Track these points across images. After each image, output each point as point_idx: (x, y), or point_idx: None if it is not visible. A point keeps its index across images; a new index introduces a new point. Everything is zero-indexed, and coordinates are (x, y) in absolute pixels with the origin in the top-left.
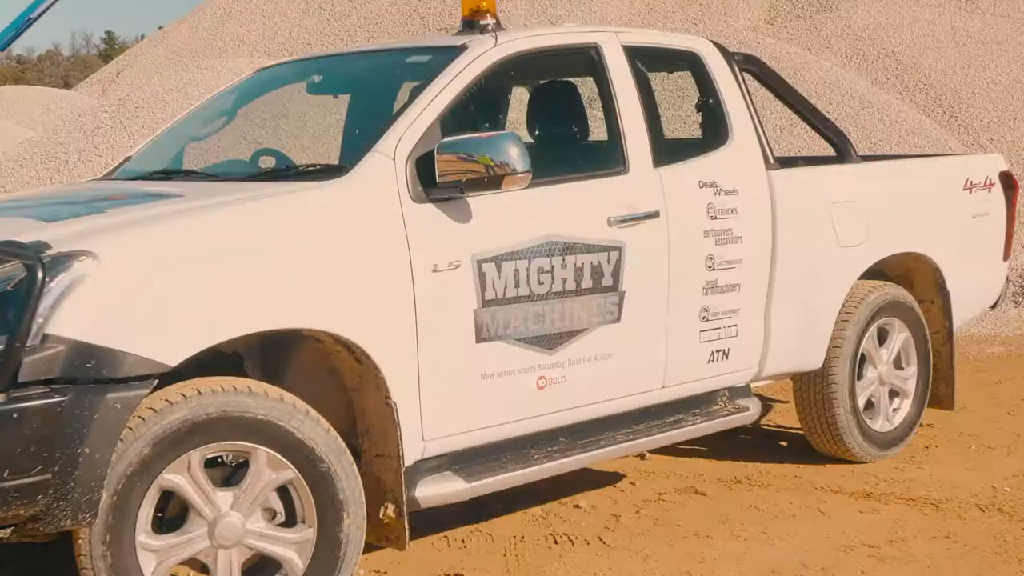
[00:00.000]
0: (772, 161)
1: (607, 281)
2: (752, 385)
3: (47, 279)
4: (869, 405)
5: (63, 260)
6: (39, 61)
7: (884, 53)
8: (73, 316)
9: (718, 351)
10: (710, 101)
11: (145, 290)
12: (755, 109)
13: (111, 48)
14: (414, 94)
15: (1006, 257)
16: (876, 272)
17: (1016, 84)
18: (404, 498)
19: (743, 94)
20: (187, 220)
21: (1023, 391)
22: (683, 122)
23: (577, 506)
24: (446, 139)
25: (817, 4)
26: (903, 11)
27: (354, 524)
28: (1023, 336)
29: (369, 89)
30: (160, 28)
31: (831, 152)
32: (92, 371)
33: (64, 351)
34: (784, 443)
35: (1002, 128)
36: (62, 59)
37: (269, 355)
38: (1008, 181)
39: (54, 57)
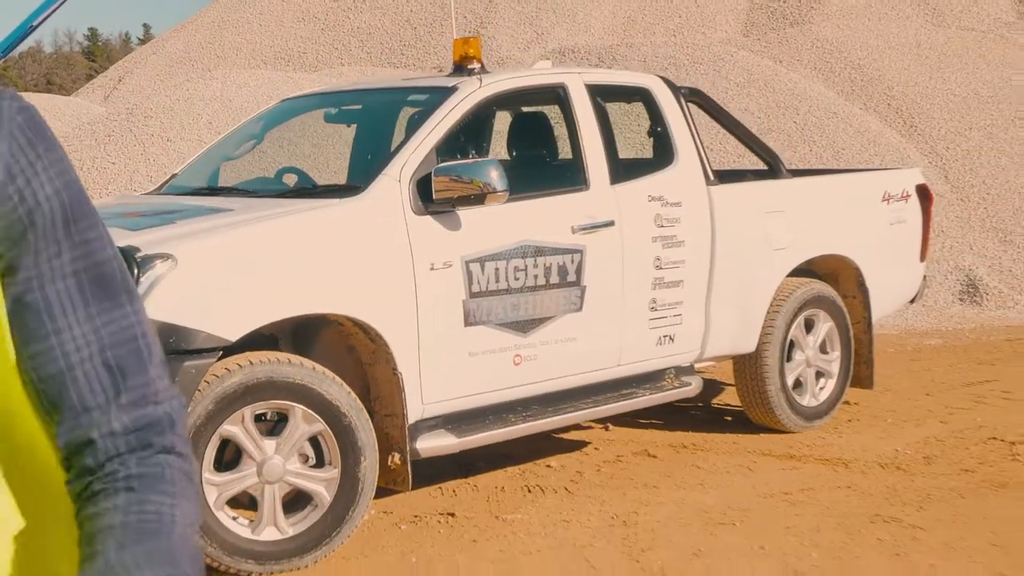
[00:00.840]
0: (712, 178)
1: (571, 278)
2: (696, 365)
3: (140, 275)
4: (798, 384)
5: (150, 260)
6: (20, 59)
7: (851, 65)
8: (159, 303)
9: (665, 336)
10: (659, 128)
11: (212, 283)
12: (698, 134)
13: (94, 46)
14: (415, 127)
15: (923, 258)
16: (805, 271)
17: (973, 96)
18: (407, 449)
19: (687, 122)
20: (241, 230)
21: (946, 376)
22: (641, 142)
23: (548, 465)
24: (441, 164)
25: (790, 17)
26: (870, 25)
27: (369, 466)
28: (960, 331)
29: (375, 121)
30: (144, 26)
31: (771, 162)
32: (173, 344)
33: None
34: (728, 417)
35: (958, 137)
36: (44, 56)
37: (299, 336)
38: (924, 193)
39: (36, 55)
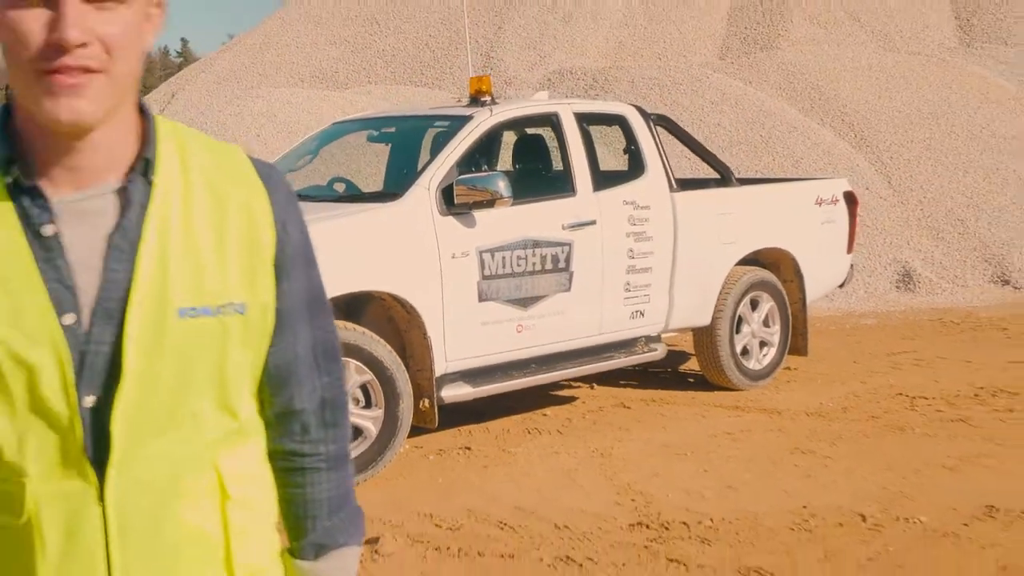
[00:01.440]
0: (675, 186)
1: (561, 265)
2: (662, 335)
3: None
4: (745, 351)
5: None
6: None
7: (810, 86)
8: None
9: (636, 311)
10: (632, 147)
11: None
12: (664, 151)
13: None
14: (439, 148)
15: (849, 251)
16: (751, 260)
17: (916, 112)
18: (435, 396)
19: (655, 142)
20: (313, 227)
21: (873, 349)
22: (618, 157)
23: (544, 414)
24: (460, 176)
25: (759, 43)
26: (828, 50)
27: (406, 408)
28: (894, 312)
29: (408, 141)
30: (182, 40)
31: (723, 172)
32: None
33: None
34: (691, 379)
35: (901, 149)
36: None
37: (351, 307)
38: (850, 198)
39: None
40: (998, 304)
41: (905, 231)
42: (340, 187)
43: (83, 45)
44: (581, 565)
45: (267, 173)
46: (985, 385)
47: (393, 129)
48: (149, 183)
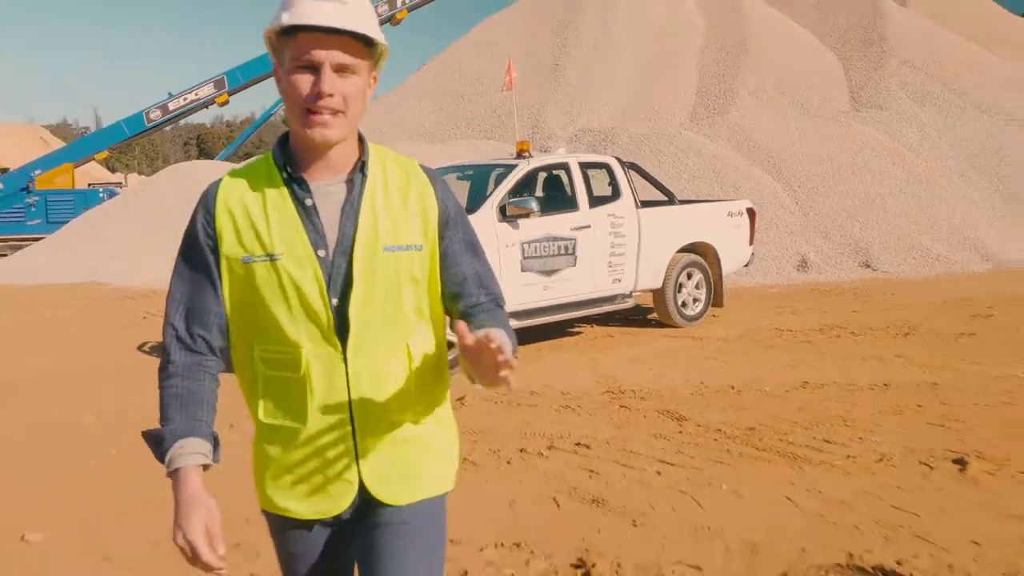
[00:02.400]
0: (638, 205)
1: (570, 251)
2: (632, 293)
3: None
4: (684, 303)
5: None
6: (241, 124)
7: (748, 139)
8: None
9: (616, 279)
10: (612, 182)
11: None
12: (632, 184)
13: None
14: (498, 183)
15: (751, 244)
16: (689, 249)
17: (818, 156)
18: None
19: (627, 179)
20: None
21: (768, 305)
22: (606, 188)
23: (561, 340)
24: (510, 200)
25: (716, 109)
26: (766, 115)
27: None
28: (791, 285)
29: (480, 179)
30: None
31: (669, 196)
32: None
33: None
34: (651, 321)
35: (807, 180)
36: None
37: None
38: (751, 212)
39: (247, 123)
40: (860, 279)
41: (805, 233)
42: None
43: (331, 96)
44: (573, 409)
45: (431, 173)
46: (829, 323)
47: (471, 172)
48: (364, 176)
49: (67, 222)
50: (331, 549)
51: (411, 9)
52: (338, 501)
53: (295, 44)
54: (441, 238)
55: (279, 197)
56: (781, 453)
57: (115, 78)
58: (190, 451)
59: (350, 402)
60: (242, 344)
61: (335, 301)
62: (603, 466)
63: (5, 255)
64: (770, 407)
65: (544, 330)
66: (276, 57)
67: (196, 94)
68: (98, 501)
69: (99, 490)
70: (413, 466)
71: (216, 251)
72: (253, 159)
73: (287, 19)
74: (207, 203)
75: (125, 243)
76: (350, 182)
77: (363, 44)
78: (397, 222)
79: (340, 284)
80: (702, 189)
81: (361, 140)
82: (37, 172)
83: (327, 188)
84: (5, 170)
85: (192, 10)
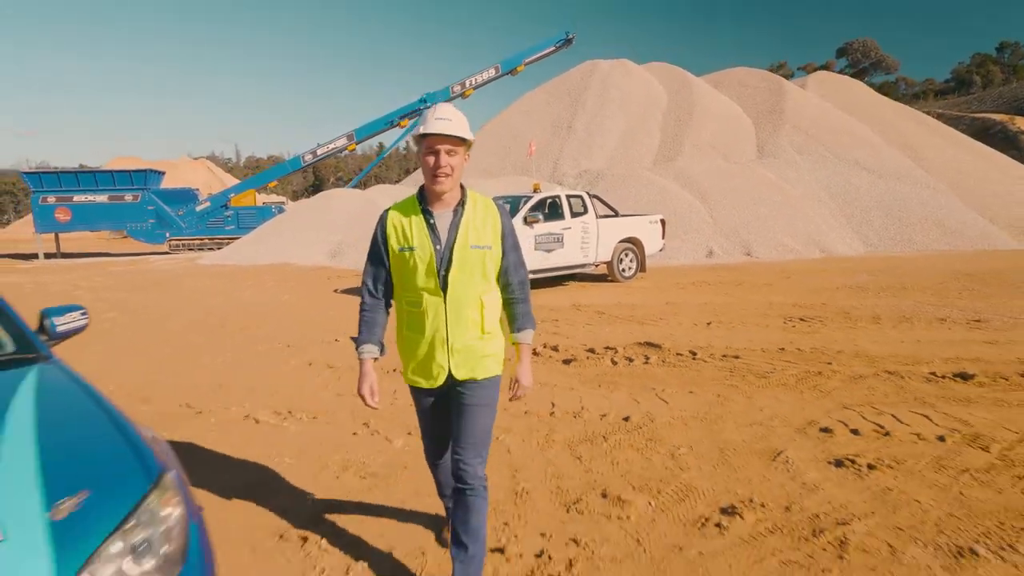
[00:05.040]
0: (597, 216)
1: (559, 240)
2: (594, 263)
3: None
4: (623, 269)
5: None
6: (391, 159)
7: (689, 178)
8: None
9: (585, 255)
10: (583, 204)
11: None
12: (595, 206)
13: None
14: (524, 205)
15: (663, 238)
16: (627, 240)
17: (733, 189)
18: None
19: (591, 203)
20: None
21: (677, 278)
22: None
23: (554, 319)
24: (528, 213)
25: (669, 156)
26: (698, 160)
27: None
28: (697, 267)
29: (515, 202)
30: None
31: (615, 211)
32: None
33: None
34: (607, 279)
35: (723, 202)
36: (400, 153)
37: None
38: (663, 221)
39: (396, 153)
40: (743, 263)
41: (714, 236)
42: None
43: (444, 167)
44: (556, 321)
45: (500, 207)
46: (711, 281)
47: (510, 199)
48: (463, 209)
49: (253, 228)
50: (438, 404)
51: (476, 88)
52: (437, 379)
53: (427, 141)
54: (502, 242)
55: (418, 218)
56: (637, 321)
57: (254, 118)
58: (367, 352)
59: (447, 326)
60: (397, 294)
61: (442, 273)
62: (568, 330)
63: (212, 249)
64: (650, 312)
65: (546, 281)
66: (416, 145)
67: (335, 144)
68: (306, 369)
69: (312, 368)
70: (479, 361)
71: (386, 245)
72: (404, 199)
73: (423, 130)
74: (383, 221)
75: (298, 239)
76: (455, 211)
77: (460, 140)
78: (479, 233)
79: (445, 265)
80: (656, 209)
81: (462, 188)
82: (232, 194)
83: (442, 214)
84: (195, 192)
85: (318, 68)
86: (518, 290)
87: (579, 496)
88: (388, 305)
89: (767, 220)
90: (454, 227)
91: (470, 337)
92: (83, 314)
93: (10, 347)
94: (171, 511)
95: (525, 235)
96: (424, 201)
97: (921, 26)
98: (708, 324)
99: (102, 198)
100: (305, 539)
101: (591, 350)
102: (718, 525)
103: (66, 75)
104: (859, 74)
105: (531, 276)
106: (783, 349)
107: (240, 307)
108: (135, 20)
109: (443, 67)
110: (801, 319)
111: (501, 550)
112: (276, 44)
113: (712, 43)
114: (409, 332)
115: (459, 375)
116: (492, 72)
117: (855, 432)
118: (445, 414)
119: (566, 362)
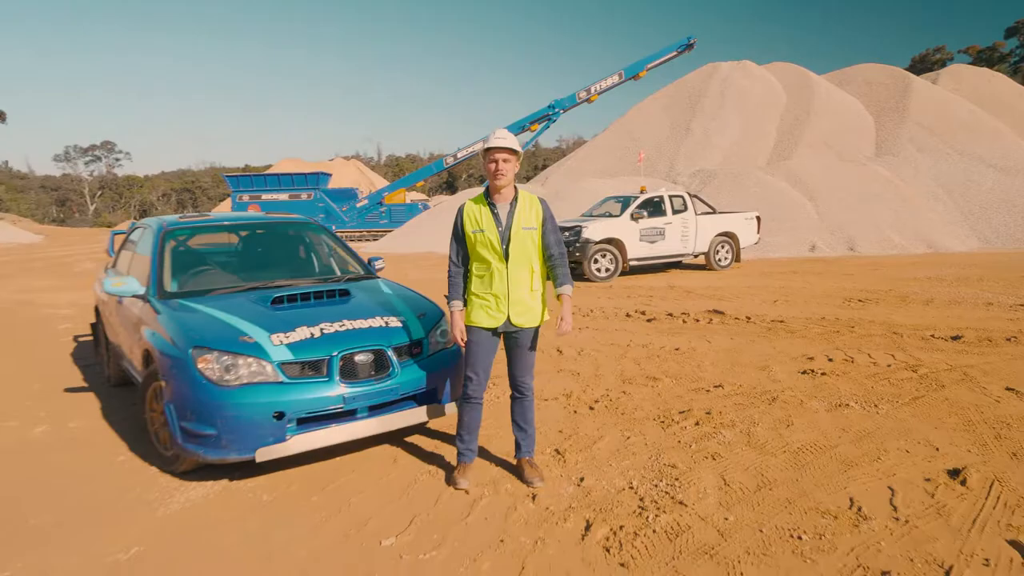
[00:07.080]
0: (697, 213)
1: (662, 233)
2: (694, 254)
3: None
4: (720, 259)
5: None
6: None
7: (801, 179)
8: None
9: (685, 246)
10: (683, 203)
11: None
12: (695, 203)
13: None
14: (632, 203)
15: (758, 232)
16: (723, 234)
17: (847, 187)
18: (627, 262)
19: (692, 201)
20: (603, 221)
21: (771, 265)
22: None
23: (649, 295)
24: (635, 210)
25: (782, 156)
26: (811, 161)
27: (622, 262)
28: (799, 259)
29: (626, 201)
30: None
31: (713, 209)
32: None
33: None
34: (703, 266)
35: (833, 201)
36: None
37: (607, 242)
38: (758, 218)
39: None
40: (842, 256)
41: (819, 231)
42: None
43: (501, 171)
44: (646, 295)
45: (542, 201)
46: (799, 271)
47: (622, 199)
48: (516, 202)
49: (403, 222)
50: (490, 343)
51: (599, 94)
52: (498, 321)
53: (489, 153)
54: (543, 225)
55: (485, 209)
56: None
57: (393, 118)
58: (456, 306)
59: (508, 285)
60: (471, 263)
61: (504, 247)
62: (658, 302)
63: (370, 240)
64: (730, 292)
65: (650, 268)
66: (483, 157)
67: (472, 148)
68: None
69: None
70: (529, 311)
71: (463, 229)
72: (475, 195)
73: (487, 145)
74: (461, 212)
75: (441, 231)
76: (511, 204)
77: (512, 151)
78: (528, 218)
79: (506, 241)
80: (763, 206)
81: (515, 188)
82: (385, 193)
83: (502, 206)
84: (356, 191)
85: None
86: (559, 258)
87: (631, 378)
88: (467, 271)
89: (874, 216)
90: (510, 215)
91: (523, 293)
92: (382, 262)
93: (363, 272)
94: (448, 327)
95: (631, 229)
96: (489, 196)
97: None
98: (775, 302)
99: (283, 196)
100: None
101: (670, 314)
102: (707, 391)
103: (233, 83)
104: None
105: (635, 263)
106: (824, 318)
107: (410, 283)
108: (293, 31)
109: (570, 75)
110: (859, 300)
111: (582, 393)
112: (416, 51)
113: (843, 38)
114: (476, 290)
115: (515, 321)
116: (616, 79)
117: (830, 359)
118: (490, 351)
119: (648, 320)
